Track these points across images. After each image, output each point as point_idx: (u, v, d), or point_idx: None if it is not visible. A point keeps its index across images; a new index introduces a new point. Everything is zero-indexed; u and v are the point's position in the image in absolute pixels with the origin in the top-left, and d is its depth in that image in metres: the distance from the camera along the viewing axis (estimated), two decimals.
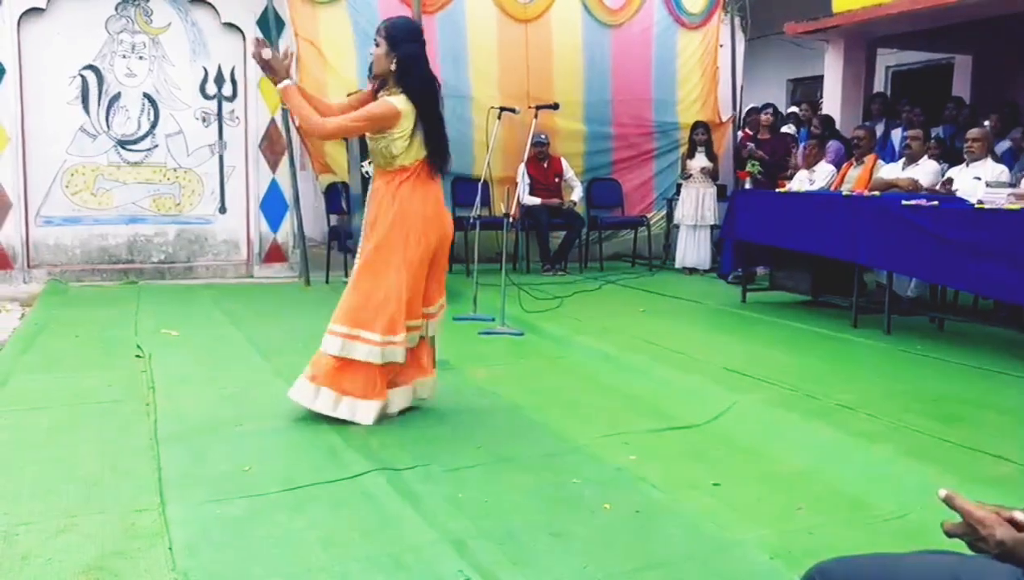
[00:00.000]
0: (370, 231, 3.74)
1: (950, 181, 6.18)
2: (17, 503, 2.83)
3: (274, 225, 8.50)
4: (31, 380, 4.41)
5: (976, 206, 5.14)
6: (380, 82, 3.73)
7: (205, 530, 2.65)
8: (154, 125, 8.11)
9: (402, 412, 3.86)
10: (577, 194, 8.85)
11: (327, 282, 8.01)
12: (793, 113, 10.40)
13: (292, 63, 3.67)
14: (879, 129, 8.83)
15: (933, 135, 8.27)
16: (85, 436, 3.54)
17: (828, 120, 9.05)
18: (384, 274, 3.66)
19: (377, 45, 3.61)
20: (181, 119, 8.19)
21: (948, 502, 1.39)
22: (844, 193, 6.37)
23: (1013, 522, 1.33)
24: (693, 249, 9.10)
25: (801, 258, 6.60)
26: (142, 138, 8.09)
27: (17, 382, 4.36)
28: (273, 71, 3.60)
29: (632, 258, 9.52)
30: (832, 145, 8.29)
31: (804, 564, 1.62)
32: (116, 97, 7.95)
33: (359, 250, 3.81)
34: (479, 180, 6.65)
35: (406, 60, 3.58)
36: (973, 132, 6.25)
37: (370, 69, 3.88)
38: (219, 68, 8.27)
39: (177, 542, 2.55)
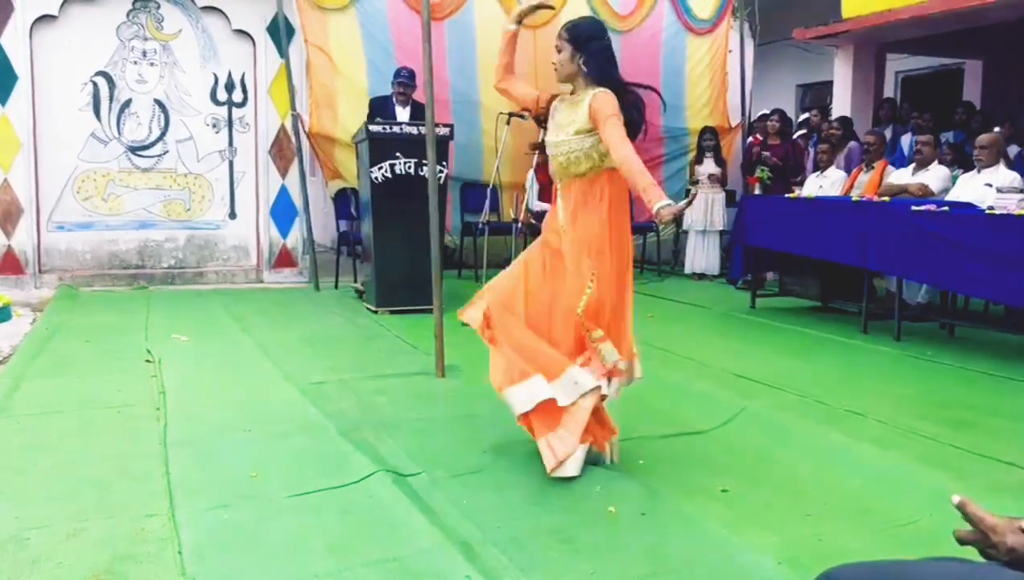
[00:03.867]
0: (583, 248, 3.26)
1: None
2: (28, 507, 2.84)
3: (284, 230, 8.52)
4: (42, 385, 4.43)
5: (987, 212, 5.12)
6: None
7: (214, 535, 2.66)
8: (165, 131, 8.15)
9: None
10: None
11: (336, 287, 8.03)
12: (806, 119, 10.40)
13: None
14: (887, 134, 8.81)
15: (944, 140, 8.26)
16: (95, 441, 3.56)
17: (847, 121, 9.04)
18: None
19: (559, 51, 3.29)
20: (191, 125, 8.23)
21: (961, 508, 1.39)
22: (854, 198, 6.36)
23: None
24: (702, 254, 9.10)
25: (810, 264, 6.59)
26: (153, 144, 8.13)
27: (28, 387, 4.38)
28: None
29: (641, 264, 9.50)
30: (852, 145, 8.34)
31: (813, 570, 1.61)
32: (127, 103, 8.00)
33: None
34: (488, 185, 6.67)
35: (596, 56, 3.28)
36: (983, 139, 6.22)
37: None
38: (229, 74, 8.31)
39: (186, 547, 2.56)
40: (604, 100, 3.20)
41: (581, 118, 3.25)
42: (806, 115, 10.54)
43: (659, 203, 2.98)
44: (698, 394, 4.44)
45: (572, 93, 3.38)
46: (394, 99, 7.54)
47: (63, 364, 4.90)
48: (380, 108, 7.44)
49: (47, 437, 3.60)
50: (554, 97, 3.48)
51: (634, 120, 3.32)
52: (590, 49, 3.29)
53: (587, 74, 3.28)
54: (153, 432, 3.66)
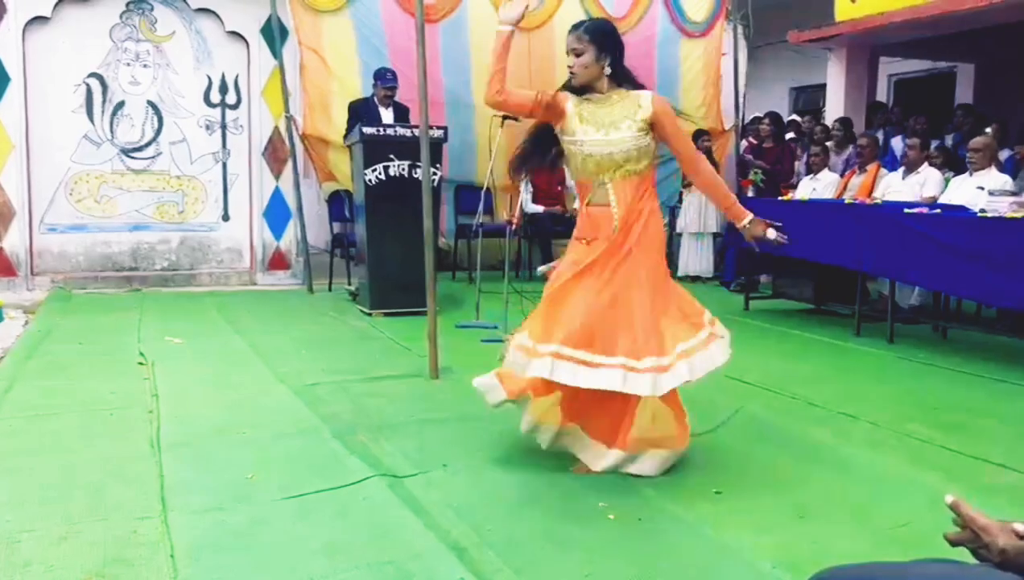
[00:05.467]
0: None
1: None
2: (20, 510, 2.83)
3: (277, 233, 8.51)
4: (35, 387, 4.41)
5: (979, 215, 5.14)
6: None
7: (207, 538, 2.65)
8: (158, 133, 8.14)
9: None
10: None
11: (330, 289, 8.02)
12: (794, 121, 10.42)
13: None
14: (879, 137, 8.84)
15: (939, 143, 8.28)
16: (88, 443, 3.55)
17: (847, 122, 9.07)
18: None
19: (579, 54, 3.21)
20: (185, 127, 8.21)
21: (954, 508, 1.39)
22: (847, 201, 6.37)
23: (1016, 532, 1.33)
24: (696, 257, 9.11)
25: (804, 266, 6.60)
26: (146, 146, 8.11)
27: (21, 389, 4.36)
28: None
29: None
30: (853, 149, 8.38)
31: (806, 572, 1.62)
32: (120, 105, 7.98)
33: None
34: (482, 188, 6.66)
35: (621, 57, 3.26)
36: (976, 142, 6.24)
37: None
38: (223, 76, 8.30)
39: (179, 550, 2.55)
40: (668, 104, 3.27)
41: (640, 116, 3.20)
42: (795, 117, 10.58)
43: (746, 219, 3.37)
44: (692, 397, 4.42)
45: (595, 93, 3.28)
46: (376, 100, 7.53)
47: (56, 366, 4.89)
48: (363, 110, 7.43)
49: (39, 439, 3.59)
50: (558, 94, 3.36)
51: None
52: (615, 50, 3.25)
53: (613, 75, 3.24)
54: (146, 434, 3.65)
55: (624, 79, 3.28)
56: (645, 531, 2.77)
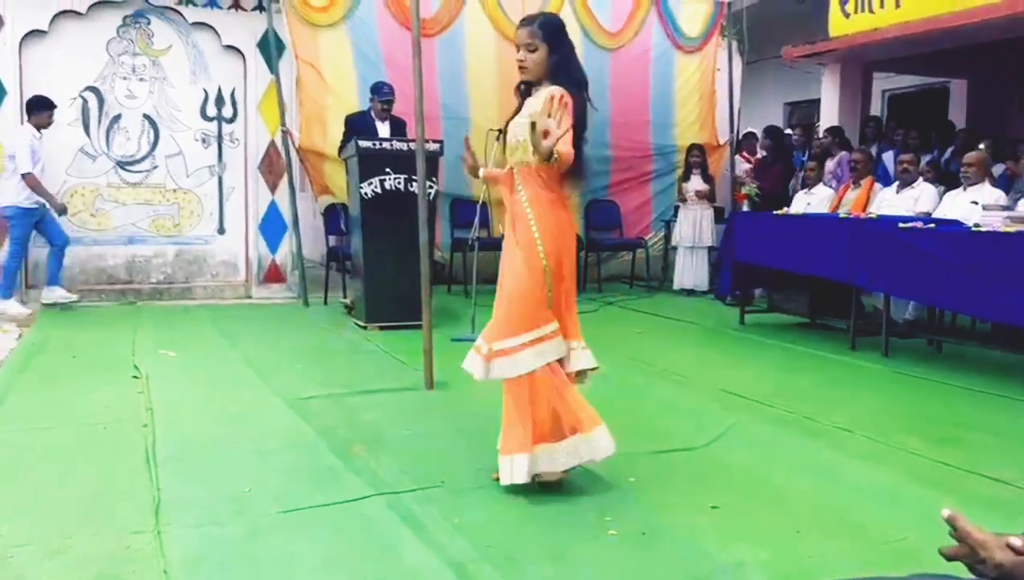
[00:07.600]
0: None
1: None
2: (12, 524, 2.82)
3: (273, 246, 8.51)
4: (28, 400, 4.40)
5: (972, 229, 5.16)
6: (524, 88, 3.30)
7: (202, 552, 2.64)
8: (154, 146, 8.14)
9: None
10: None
11: (325, 303, 8.01)
12: (787, 135, 10.47)
13: None
14: (872, 152, 8.89)
15: (928, 159, 8.33)
16: (82, 457, 3.53)
17: (837, 130, 9.11)
18: None
19: (532, 49, 3.11)
20: (181, 140, 8.22)
21: (951, 522, 1.39)
22: (841, 216, 6.39)
23: (1011, 547, 1.33)
24: (691, 270, 9.12)
25: (799, 280, 6.61)
26: (142, 159, 8.12)
27: (14, 402, 4.35)
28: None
29: (630, 280, 9.53)
30: (843, 154, 8.42)
31: None
32: (116, 118, 7.99)
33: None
34: (478, 201, 6.66)
35: (563, 59, 3.14)
36: (970, 157, 6.27)
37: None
38: (219, 90, 8.31)
39: (172, 564, 2.53)
40: (555, 95, 3.03)
41: (535, 107, 3.06)
42: (787, 131, 10.63)
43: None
44: (687, 410, 4.44)
45: (536, 88, 3.22)
46: (373, 114, 7.54)
47: (50, 379, 4.87)
48: (359, 124, 7.44)
49: (32, 453, 3.57)
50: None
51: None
52: (564, 49, 3.16)
53: (556, 78, 3.13)
54: (140, 448, 3.64)
55: (559, 74, 3.14)
56: (642, 545, 2.77)
